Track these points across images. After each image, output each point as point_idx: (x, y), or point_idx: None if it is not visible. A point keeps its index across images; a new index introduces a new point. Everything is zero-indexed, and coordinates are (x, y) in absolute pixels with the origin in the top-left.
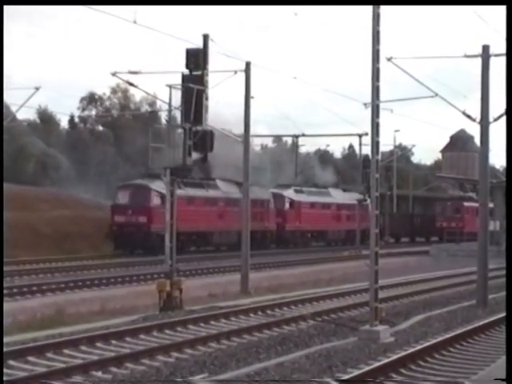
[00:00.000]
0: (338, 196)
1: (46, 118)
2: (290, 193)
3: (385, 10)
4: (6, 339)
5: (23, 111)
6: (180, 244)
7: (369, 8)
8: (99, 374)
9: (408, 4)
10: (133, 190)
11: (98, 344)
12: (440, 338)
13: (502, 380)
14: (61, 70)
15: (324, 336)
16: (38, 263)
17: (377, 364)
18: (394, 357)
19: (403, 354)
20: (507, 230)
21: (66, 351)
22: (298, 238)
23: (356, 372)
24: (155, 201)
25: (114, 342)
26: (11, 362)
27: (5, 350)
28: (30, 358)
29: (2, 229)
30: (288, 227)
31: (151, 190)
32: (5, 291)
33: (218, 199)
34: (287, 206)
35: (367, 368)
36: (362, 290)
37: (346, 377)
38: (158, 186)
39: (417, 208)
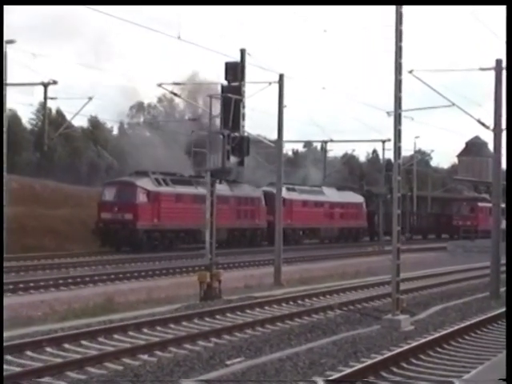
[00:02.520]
0: (331, 194)
1: (98, 125)
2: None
3: (405, 26)
4: (62, 325)
5: (78, 118)
6: (167, 241)
7: (391, 24)
8: (145, 357)
9: (408, 4)
10: (119, 187)
11: (145, 330)
12: (456, 327)
13: (503, 380)
14: (112, 81)
15: (350, 324)
16: (91, 256)
17: (398, 350)
18: (414, 343)
19: (422, 341)
20: (507, 229)
21: (115, 336)
22: (290, 236)
23: (380, 357)
24: (141, 198)
25: (159, 328)
26: (66, 346)
27: (61, 334)
28: (84, 342)
29: (2, 228)
30: None
31: (137, 187)
32: (61, 281)
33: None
34: None
35: (390, 353)
36: (384, 282)
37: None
38: (145, 183)
39: (435, 208)
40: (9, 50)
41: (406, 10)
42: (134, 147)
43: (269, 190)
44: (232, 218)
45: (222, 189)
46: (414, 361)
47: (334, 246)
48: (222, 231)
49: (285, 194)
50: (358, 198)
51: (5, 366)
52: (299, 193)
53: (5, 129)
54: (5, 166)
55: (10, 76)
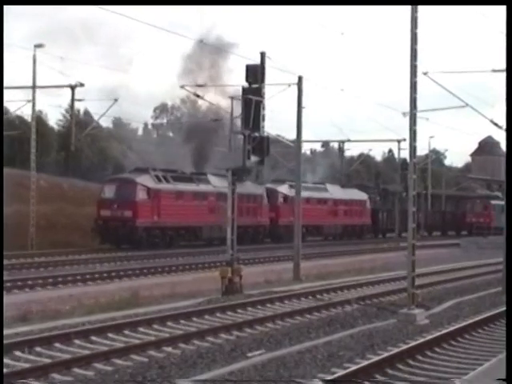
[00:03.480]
0: (334, 192)
1: (122, 126)
2: (284, 188)
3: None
4: (90, 318)
5: (104, 119)
6: (168, 239)
7: (405, 29)
8: (169, 349)
9: (407, 4)
10: (119, 184)
11: (169, 323)
12: (470, 321)
13: (503, 380)
14: (137, 84)
15: (367, 318)
16: (116, 252)
17: (414, 343)
18: (429, 337)
19: (437, 334)
20: (507, 230)
21: (140, 329)
22: (292, 232)
23: (396, 349)
24: (141, 195)
25: (182, 321)
26: (93, 338)
27: (88, 327)
28: (110, 335)
29: (2, 228)
30: (281, 222)
31: (137, 184)
32: (88, 276)
33: (208, 193)
34: (281, 200)
35: (406, 346)
36: (400, 277)
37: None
38: (145, 180)
39: (449, 205)
40: (38, 53)
41: (420, 11)
42: (157, 147)
43: (271, 186)
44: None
45: (223, 186)
46: (429, 353)
47: (349, 242)
48: (224, 228)
49: (287, 190)
50: (361, 196)
51: (35, 358)
52: (303, 190)
53: (33, 129)
54: (33, 164)
55: (39, 79)
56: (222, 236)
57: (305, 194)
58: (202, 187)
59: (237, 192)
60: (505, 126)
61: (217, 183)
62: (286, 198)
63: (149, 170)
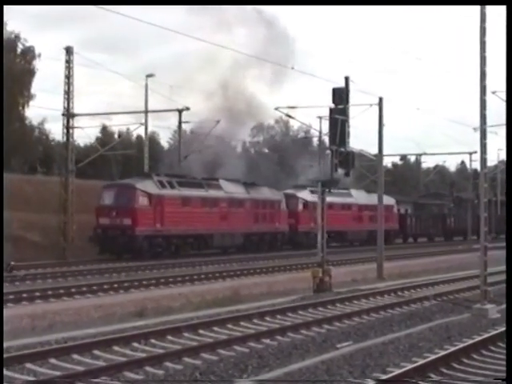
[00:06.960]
0: (360, 197)
1: (225, 144)
2: (304, 194)
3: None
4: (197, 313)
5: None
6: (173, 247)
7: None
8: (268, 341)
9: (406, 4)
10: (118, 190)
11: (267, 318)
12: None
13: (502, 380)
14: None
15: (443, 312)
16: (223, 255)
17: (487, 335)
18: (501, 329)
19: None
20: (507, 232)
21: (242, 323)
22: (312, 239)
23: (471, 341)
24: (141, 202)
25: (278, 316)
26: (201, 331)
27: (196, 321)
28: (215, 328)
29: (2, 229)
30: (301, 228)
31: (137, 190)
32: (195, 277)
33: (219, 199)
34: (300, 206)
35: (479, 338)
36: (473, 276)
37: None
38: (146, 185)
39: None
40: (150, 83)
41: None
42: (254, 162)
43: (290, 192)
44: (248, 221)
45: (237, 191)
46: (502, 344)
47: (426, 244)
48: (238, 236)
49: (307, 196)
50: (388, 200)
51: (150, 348)
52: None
53: (146, 148)
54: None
55: (151, 104)
56: (236, 244)
57: (327, 199)
58: (212, 193)
59: (252, 198)
60: None
61: (229, 189)
62: (306, 203)
63: (152, 175)
